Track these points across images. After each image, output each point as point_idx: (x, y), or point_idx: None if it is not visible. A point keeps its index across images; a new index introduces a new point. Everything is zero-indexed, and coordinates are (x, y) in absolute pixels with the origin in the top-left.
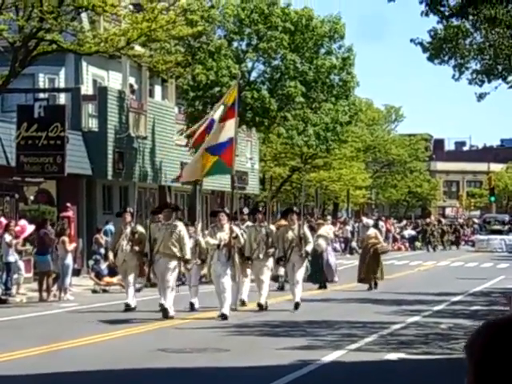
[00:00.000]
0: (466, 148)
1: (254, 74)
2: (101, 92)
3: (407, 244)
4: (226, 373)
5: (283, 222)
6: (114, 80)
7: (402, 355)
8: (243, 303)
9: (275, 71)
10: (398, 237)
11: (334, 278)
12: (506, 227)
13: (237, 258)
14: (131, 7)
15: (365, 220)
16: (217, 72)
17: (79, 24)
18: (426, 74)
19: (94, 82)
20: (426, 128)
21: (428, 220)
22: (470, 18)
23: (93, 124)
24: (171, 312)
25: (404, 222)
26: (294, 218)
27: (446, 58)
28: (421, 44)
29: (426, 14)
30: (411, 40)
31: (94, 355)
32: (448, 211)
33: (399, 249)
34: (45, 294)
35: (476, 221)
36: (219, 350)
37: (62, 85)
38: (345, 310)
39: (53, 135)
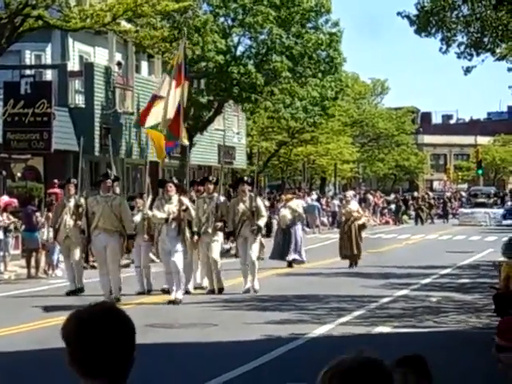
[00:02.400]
0: (452, 121)
1: (240, 49)
2: (87, 68)
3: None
4: (215, 348)
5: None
6: (100, 56)
7: (390, 329)
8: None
9: (261, 46)
10: (386, 211)
11: (301, 257)
12: (491, 200)
13: (187, 233)
14: None
15: (347, 193)
16: (203, 47)
17: (65, 0)
18: (414, 47)
19: (81, 58)
20: (413, 102)
21: (415, 194)
22: None
23: (79, 100)
24: (116, 294)
25: (392, 195)
26: (246, 188)
27: (433, 31)
28: (407, 17)
29: None
30: (398, 13)
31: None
32: (436, 184)
33: (387, 222)
34: (33, 271)
35: (463, 194)
36: (208, 325)
37: (49, 61)
38: (333, 284)
39: (39, 112)
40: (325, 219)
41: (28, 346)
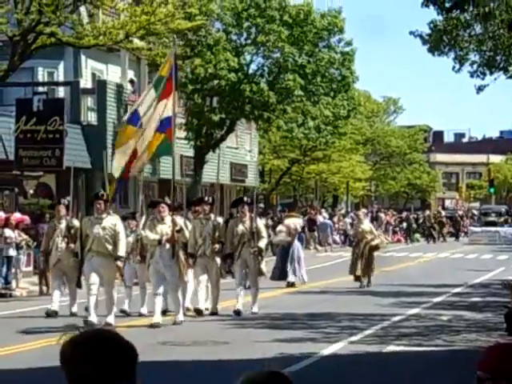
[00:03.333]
0: (465, 140)
1: (252, 67)
2: (100, 85)
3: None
4: (226, 366)
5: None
6: (112, 73)
7: (402, 347)
8: (199, 312)
9: (274, 64)
10: (398, 229)
11: (302, 278)
12: (502, 219)
13: (182, 255)
14: (130, 0)
15: (360, 212)
16: (215, 65)
17: (78, 17)
18: (426, 66)
19: (93, 75)
20: (426, 120)
21: (427, 212)
22: (470, 10)
23: (92, 117)
24: (111, 320)
25: (404, 214)
26: (246, 209)
27: (446, 50)
28: (420, 36)
29: (426, 6)
30: (411, 32)
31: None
32: (448, 203)
33: (399, 241)
34: (45, 288)
35: (475, 212)
36: (219, 342)
37: (61, 78)
38: (345, 302)
39: (52, 129)
40: (337, 237)
41: (40, 362)
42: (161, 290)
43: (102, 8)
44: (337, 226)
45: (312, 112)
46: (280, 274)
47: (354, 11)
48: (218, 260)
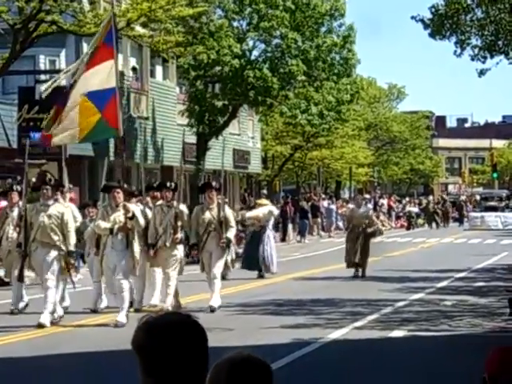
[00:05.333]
0: (467, 125)
1: (255, 53)
2: None
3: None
4: (231, 352)
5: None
6: None
7: (405, 332)
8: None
9: (276, 50)
10: (401, 214)
11: (271, 268)
12: (503, 203)
13: (136, 246)
14: None
15: (357, 197)
16: (218, 51)
17: (79, 5)
18: (428, 51)
19: None
20: (428, 105)
21: (430, 197)
22: None
23: None
24: (55, 314)
25: (407, 199)
26: (213, 195)
27: (448, 34)
28: (422, 21)
29: None
30: (412, 17)
31: (104, 335)
32: (450, 188)
33: (402, 226)
34: None
35: (478, 197)
36: (223, 329)
37: (63, 66)
38: (348, 288)
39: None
40: (340, 223)
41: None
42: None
43: None
44: (339, 211)
45: (315, 97)
46: (251, 263)
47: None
48: (180, 251)
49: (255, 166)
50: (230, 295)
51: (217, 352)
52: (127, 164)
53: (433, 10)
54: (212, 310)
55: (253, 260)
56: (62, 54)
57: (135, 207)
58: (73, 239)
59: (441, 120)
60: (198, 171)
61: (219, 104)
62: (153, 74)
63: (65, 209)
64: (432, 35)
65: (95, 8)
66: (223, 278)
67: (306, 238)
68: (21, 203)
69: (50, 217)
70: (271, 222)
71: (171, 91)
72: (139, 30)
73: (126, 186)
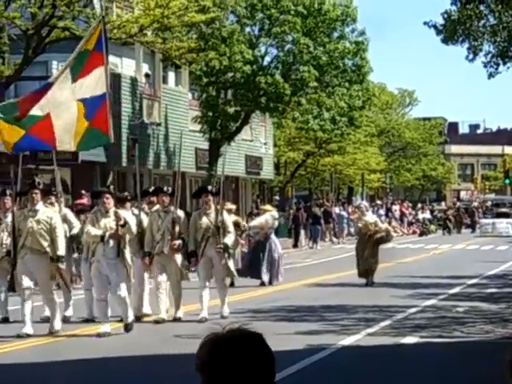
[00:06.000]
0: (480, 131)
1: (267, 59)
2: (114, 79)
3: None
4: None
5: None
6: (127, 67)
7: (418, 339)
8: (157, 322)
9: (288, 56)
10: (414, 220)
11: (278, 276)
12: None
13: (127, 254)
14: None
15: (362, 203)
16: (230, 57)
17: (92, 11)
18: (440, 57)
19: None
20: (440, 111)
21: (443, 204)
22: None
23: None
24: (57, 325)
25: (419, 205)
26: (210, 200)
27: (460, 40)
28: (434, 27)
29: None
30: (425, 23)
31: (110, 342)
32: (463, 194)
33: (414, 232)
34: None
35: (489, 204)
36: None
37: None
38: (360, 294)
39: None
40: (352, 229)
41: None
42: (105, 295)
43: (116, 1)
44: (351, 217)
45: (327, 103)
46: (253, 271)
47: (367, 4)
48: (179, 258)
49: (268, 172)
50: (241, 301)
51: None
52: (141, 170)
53: (445, 15)
54: (223, 317)
55: (255, 269)
56: None
57: (127, 214)
58: (62, 244)
59: (453, 126)
60: (211, 177)
61: (231, 110)
62: (165, 80)
63: (53, 213)
64: (444, 41)
65: (108, 14)
66: (231, 284)
67: (318, 244)
68: (15, 208)
69: (38, 222)
70: (275, 225)
71: (183, 97)
72: (152, 36)
73: (113, 189)
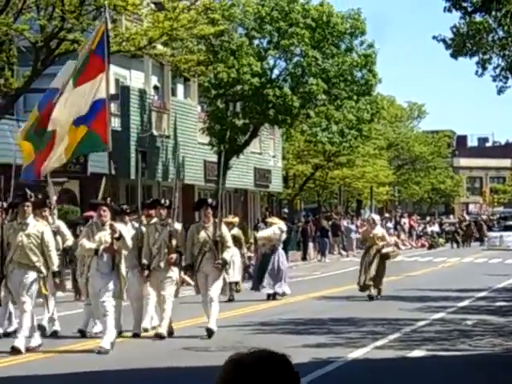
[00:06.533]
0: (488, 144)
1: (275, 72)
2: (123, 91)
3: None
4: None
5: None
6: (136, 79)
7: (426, 352)
8: (146, 330)
9: (297, 68)
10: (422, 234)
11: (285, 289)
12: None
13: (122, 268)
14: (153, 6)
15: (372, 215)
16: (238, 70)
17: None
18: (449, 70)
19: (117, 81)
20: (449, 124)
21: (452, 218)
22: (493, 13)
23: (115, 123)
24: (21, 345)
25: (427, 218)
26: (209, 213)
27: (469, 54)
28: (443, 41)
29: (449, 10)
30: (434, 37)
31: (118, 354)
32: (471, 207)
33: (423, 245)
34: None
35: (497, 217)
36: (243, 348)
37: None
38: (369, 307)
39: None
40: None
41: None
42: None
43: (124, 14)
44: (360, 230)
45: (335, 116)
46: (255, 284)
47: (374, 12)
48: (176, 272)
49: (276, 184)
50: (249, 314)
51: None
52: (148, 182)
53: (454, 29)
54: (209, 333)
55: (261, 282)
56: None
57: (123, 227)
58: (55, 259)
59: (462, 139)
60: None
61: (240, 123)
62: (174, 93)
63: (44, 227)
64: (453, 55)
65: (117, 27)
66: (230, 300)
67: (326, 257)
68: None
69: (28, 236)
70: (283, 238)
71: (192, 110)
72: (161, 48)
73: (110, 202)
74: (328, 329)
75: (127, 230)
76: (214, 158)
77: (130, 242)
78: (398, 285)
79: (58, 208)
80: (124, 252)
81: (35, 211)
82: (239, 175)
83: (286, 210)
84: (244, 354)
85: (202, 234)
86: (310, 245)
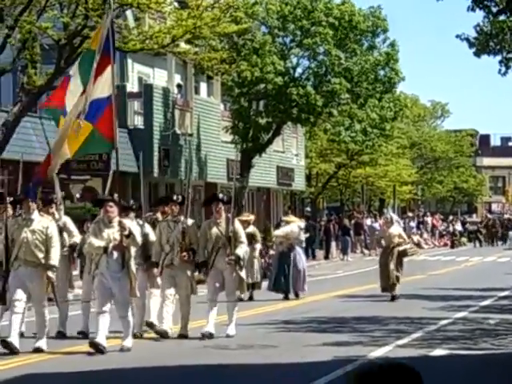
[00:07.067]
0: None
1: (298, 70)
2: (146, 89)
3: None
4: (275, 369)
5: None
6: (159, 77)
7: (448, 351)
8: (151, 325)
9: (320, 67)
10: (444, 233)
11: (303, 288)
12: None
13: (133, 266)
14: (176, 4)
15: (389, 214)
16: (262, 68)
17: (124, 21)
18: (472, 69)
19: (140, 79)
20: (472, 123)
21: (475, 217)
22: None
23: (138, 121)
24: (42, 344)
25: (451, 217)
26: (221, 208)
27: (492, 53)
28: (467, 40)
29: (472, 9)
30: (457, 35)
31: (139, 352)
32: (494, 207)
33: (445, 245)
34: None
35: None
36: (266, 346)
37: None
38: (392, 306)
39: None
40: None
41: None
42: (107, 307)
43: (148, 12)
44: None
45: (358, 115)
46: (279, 285)
47: (397, 10)
48: (190, 270)
49: (299, 183)
50: (271, 313)
51: (260, 368)
52: (171, 180)
53: (477, 28)
54: (229, 336)
55: (280, 282)
56: None
57: (132, 223)
58: (56, 254)
59: (485, 138)
60: (242, 188)
61: (263, 121)
62: (197, 91)
63: (49, 223)
64: (477, 54)
65: (140, 25)
66: (250, 298)
67: (348, 255)
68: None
69: (33, 232)
70: (302, 238)
71: (215, 108)
72: (184, 46)
73: (119, 198)
74: (351, 327)
75: (136, 226)
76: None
77: (139, 239)
78: (421, 284)
79: (80, 206)
80: (134, 249)
81: (41, 207)
82: (262, 174)
83: (308, 209)
84: (371, 364)
85: (215, 230)
86: (333, 244)
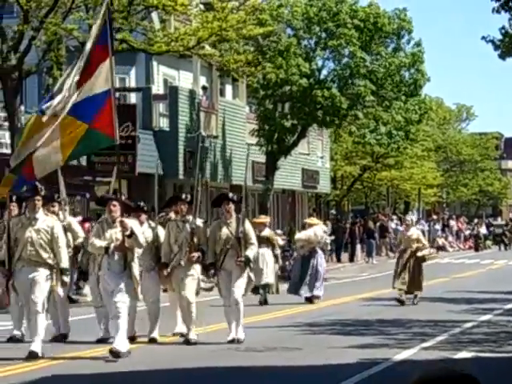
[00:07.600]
0: None
1: (324, 73)
2: (172, 91)
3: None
4: (298, 371)
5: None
6: (184, 79)
7: (473, 354)
8: (152, 340)
9: (345, 69)
10: (469, 236)
11: (318, 292)
12: None
13: (135, 268)
14: (202, 6)
15: (409, 217)
16: (286, 70)
17: (149, 23)
18: (497, 71)
19: (165, 81)
20: (497, 126)
21: (500, 220)
22: None
23: (164, 123)
24: (38, 349)
25: (475, 220)
26: (231, 208)
27: None
28: (492, 42)
29: (498, 11)
30: (482, 37)
31: (164, 353)
32: None
33: (470, 247)
34: None
35: None
36: (290, 348)
37: (133, 84)
38: (416, 309)
39: (124, 135)
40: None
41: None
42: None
43: (173, 14)
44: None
45: (384, 117)
46: (295, 287)
47: (422, 12)
48: (198, 271)
49: (324, 185)
50: (296, 315)
51: (286, 370)
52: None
53: (503, 31)
54: (239, 341)
55: (300, 285)
56: (132, 72)
57: (134, 223)
58: (65, 255)
59: (510, 142)
60: (267, 190)
61: (288, 123)
62: (222, 93)
63: (54, 222)
64: (501, 56)
65: (165, 26)
66: (261, 303)
67: (373, 258)
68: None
69: (38, 232)
70: (328, 241)
71: (241, 110)
72: (209, 48)
73: (124, 197)
74: (375, 330)
75: (140, 227)
76: (262, 159)
77: (142, 240)
78: (446, 287)
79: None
80: (138, 250)
81: (44, 206)
82: (287, 176)
83: (333, 212)
84: (429, 372)
85: (224, 231)
86: (358, 246)
